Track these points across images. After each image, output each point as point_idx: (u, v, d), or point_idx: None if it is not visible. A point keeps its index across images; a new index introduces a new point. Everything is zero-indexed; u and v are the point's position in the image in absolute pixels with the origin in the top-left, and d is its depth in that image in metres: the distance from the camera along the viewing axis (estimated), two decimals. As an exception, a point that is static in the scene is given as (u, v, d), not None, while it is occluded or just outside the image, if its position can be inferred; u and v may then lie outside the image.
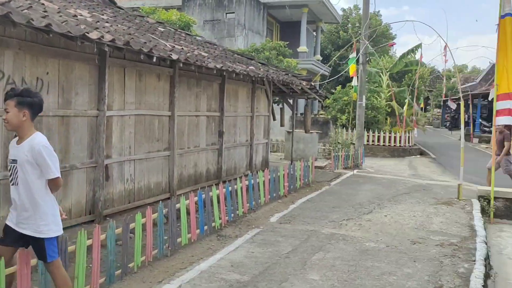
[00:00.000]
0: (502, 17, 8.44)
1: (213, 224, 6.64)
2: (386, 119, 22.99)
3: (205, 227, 6.41)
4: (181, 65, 7.31)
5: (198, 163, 9.18)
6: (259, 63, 12.30)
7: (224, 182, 9.02)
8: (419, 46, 23.31)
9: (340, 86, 25.10)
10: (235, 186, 7.53)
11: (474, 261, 5.52)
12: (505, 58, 8.44)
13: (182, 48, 7.86)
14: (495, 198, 8.63)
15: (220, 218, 6.81)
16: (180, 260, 5.38)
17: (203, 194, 6.47)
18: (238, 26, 22.77)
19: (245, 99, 11.11)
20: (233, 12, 22.75)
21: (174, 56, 6.71)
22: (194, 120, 9.01)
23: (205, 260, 5.34)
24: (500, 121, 8.67)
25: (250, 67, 9.93)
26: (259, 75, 9.91)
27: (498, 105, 8.53)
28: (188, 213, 6.06)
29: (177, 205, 5.88)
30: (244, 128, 11.15)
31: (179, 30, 11.81)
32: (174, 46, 7.56)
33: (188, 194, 6.48)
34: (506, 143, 10.60)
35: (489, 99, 11.09)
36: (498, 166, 10.56)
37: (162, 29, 9.90)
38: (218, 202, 6.88)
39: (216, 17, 23.16)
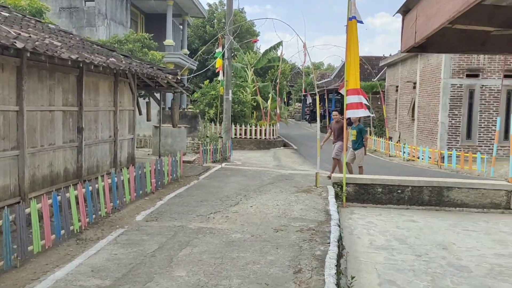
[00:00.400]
0: (349, 19, 9.28)
1: (71, 227, 6.16)
2: (252, 113, 23.85)
3: (62, 232, 5.92)
4: (29, 54, 6.58)
5: (54, 163, 8.43)
6: (122, 55, 11.73)
7: (85, 181, 8.43)
8: (280, 43, 24.64)
9: (208, 80, 25.30)
10: (97, 185, 7.09)
11: (329, 243, 6.00)
12: (352, 56, 9.32)
13: (30, 36, 7.09)
14: (346, 184, 9.53)
15: (79, 221, 6.34)
16: (32, 270, 4.88)
17: (59, 196, 5.96)
18: (99, 15, 21.43)
19: (107, 93, 10.52)
20: (93, 0, 21.33)
21: (19, 45, 6.01)
22: (48, 116, 8.24)
23: (61, 268, 4.92)
24: (349, 114, 9.55)
25: (111, 59, 9.40)
26: (121, 68, 9.44)
27: (348, 99, 9.39)
28: (41, 217, 5.52)
29: (27, 210, 5.31)
30: (107, 124, 10.56)
31: (28, 16, 10.67)
32: (19, 34, 6.78)
33: (42, 197, 5.90)
34: (345, 132, 11.65)
35: (341, 91, 12.16)
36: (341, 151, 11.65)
37: (7, 14, 8.83)
38: (78, 203, 6.40)
39: (74, 4, 21.46)
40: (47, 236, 5.55)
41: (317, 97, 11.33)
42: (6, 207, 5.28)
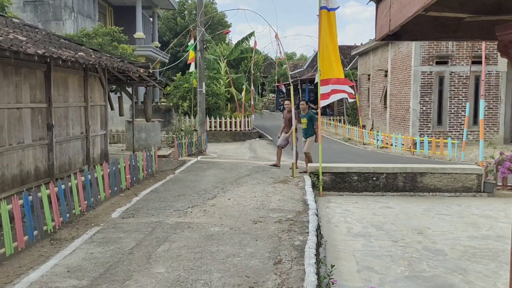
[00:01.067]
0: (321, 8, 9.29)
1: (45, 227, 6.00)
2: (227, 105, 23.72)
3: (35, 232, 5.76)
4: (-8, 50, 6.33)
5: (24, 162, 8.17)
6: (91, 49, 11.43)
7: (57, 180, 8.21)
8: (252, 34, 24.55)
9: (180, 73, 24.99)
10: (70, 183, 6.92)
11: (308, 233, 6.03)
12: (328, 46, 9.34)
13: (-7, 31, 6.82)
14: (322, 173, 9.59)
15: (53, 220, 6.18)
16: (5, 273, 4.72)
17: (30, 196, 5.78)
18: (66, 8, 20.82)
19: (77, 88, 10.25)
20: (59, -7, 20.67)
21: (-18, 40, 5.77)
22: (16, 113, 7.97)
23: (36, 269, 4.78)
24: (324, 103, 9.60)
25: (79, 54, 9.15)
26: (91, 62, 9.20)
27: (321, 89, 9.43)
28: (13, 218, 5.35)
29: (-3, 212, 5.14)
30: (78, 120, 10.30)
31: (-10, 10, 10.27)
32: (-18, 28, 6.51)
33: (12, 197, 5.71)
34: (295, 122, 11.58)
35: (315, 82, 12.14)
36: (287, 142, 11.71)
37: (-33, 8, 8.47)
38: (51, 202, 6.23)
39: (38, -3, 20.77)
40: (20, 238, 5.38)
41: (291, 87, 11.32)
42: (-26, 209, 5.10)
